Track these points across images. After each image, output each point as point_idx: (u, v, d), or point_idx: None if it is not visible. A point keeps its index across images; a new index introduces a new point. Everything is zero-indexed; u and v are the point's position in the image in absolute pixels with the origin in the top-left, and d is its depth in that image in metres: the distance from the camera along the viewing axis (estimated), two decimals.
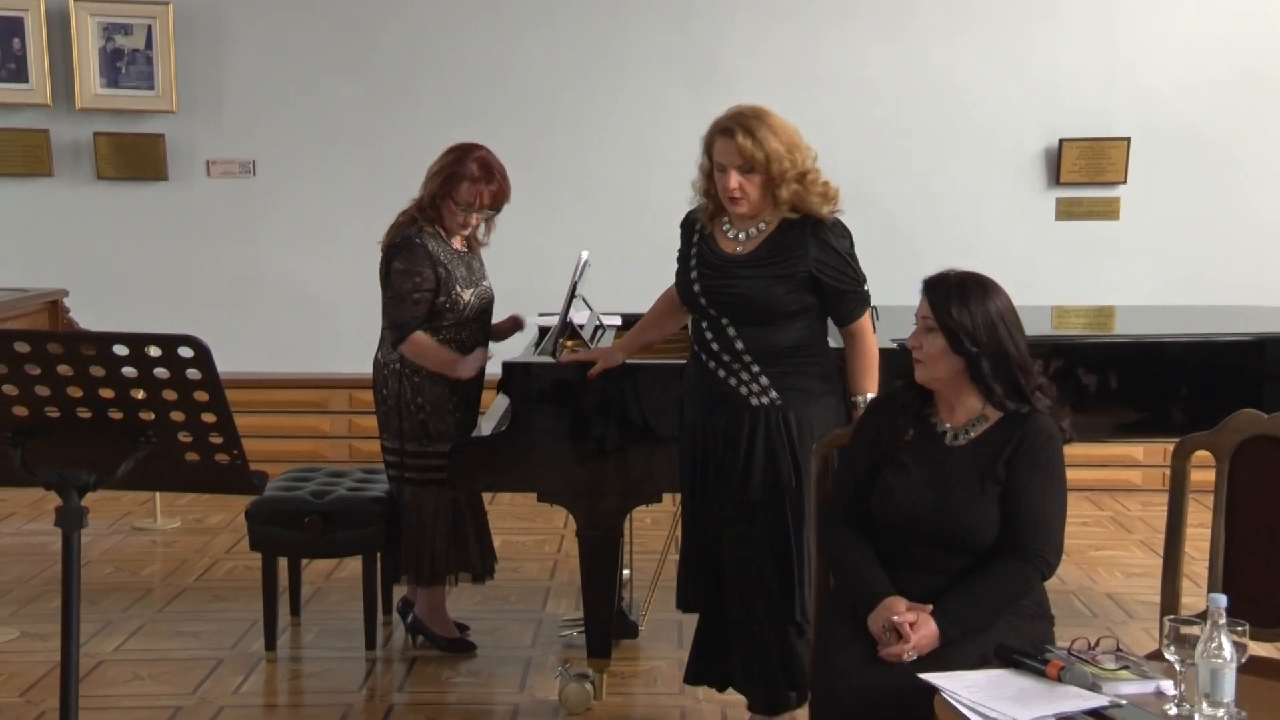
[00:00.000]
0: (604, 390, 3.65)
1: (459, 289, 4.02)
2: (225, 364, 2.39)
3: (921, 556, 2.79)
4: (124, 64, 6.66)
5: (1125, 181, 6.78)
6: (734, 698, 3.59)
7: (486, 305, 4.17)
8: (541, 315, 4.80)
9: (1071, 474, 2.89)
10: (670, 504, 4.66)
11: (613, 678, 3.95)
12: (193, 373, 2.28)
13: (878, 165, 6.75)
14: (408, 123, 6.80)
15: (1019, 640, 2.60)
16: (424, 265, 3.96)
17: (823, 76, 6.75)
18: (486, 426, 3.90)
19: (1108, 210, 6.85)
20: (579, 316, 4.24)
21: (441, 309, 4.01)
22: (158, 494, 5.71)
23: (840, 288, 3.33)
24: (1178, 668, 2.26)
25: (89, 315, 6.17)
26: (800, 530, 3.32)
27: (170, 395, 2.30)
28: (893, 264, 6.52)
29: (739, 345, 3.31)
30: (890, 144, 6.77)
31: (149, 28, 6.63)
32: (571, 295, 4.10)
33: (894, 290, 5.60)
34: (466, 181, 4.01)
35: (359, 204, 6.74)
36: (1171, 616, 2.34)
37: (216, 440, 2.37)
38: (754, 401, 3.31)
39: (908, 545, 2.81)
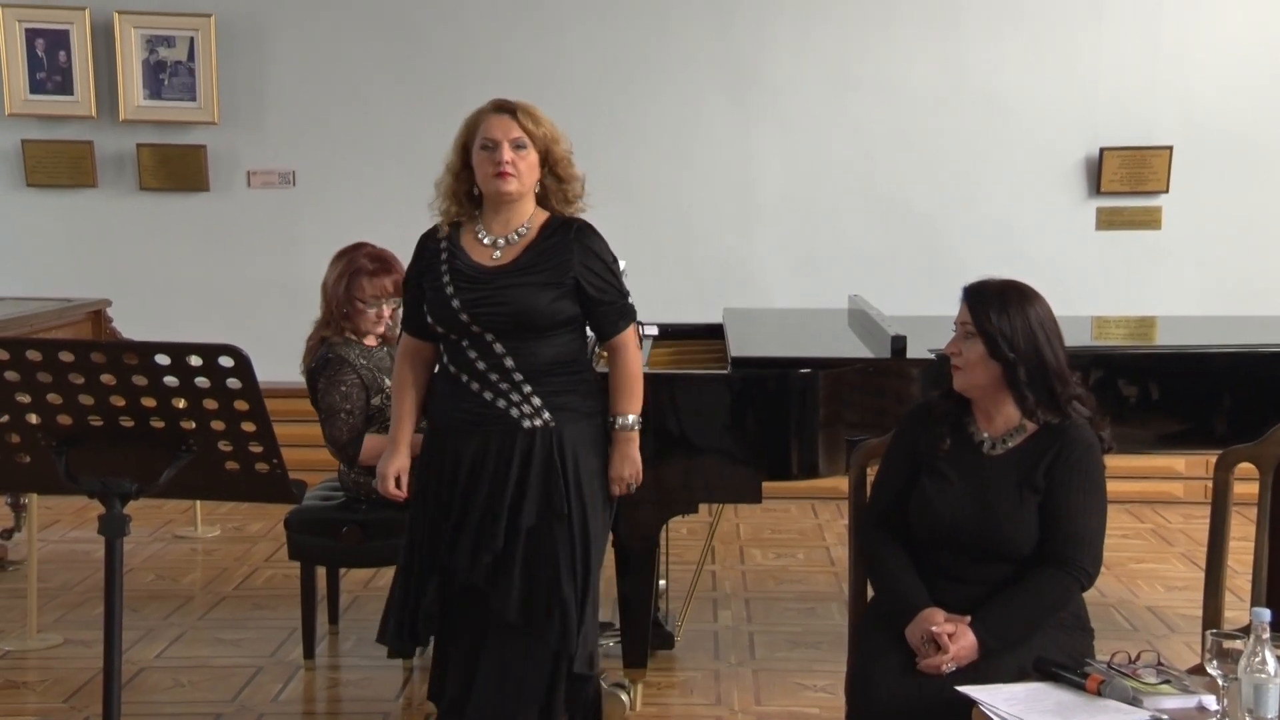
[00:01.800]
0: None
1: (387, 383, 3.99)
2: (265, 373, 2.41)
3: (959, 566, 2.78)
4: (167, 76, 6.74)
5: (1167, 191, 6.71)
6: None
7: None
8: None
9: (1112, 486, 2.86)
10: (706, 514, 4.66)
11: (649, 688, 3.94)
12: (233, 382, 2.31)
13: (917, 171, 6.73)
14: (448, 131, 6.68)
15: (1058, 653, 2.59)
16: (347, 374, 3.96)
17: (863, 81, 6.73)
18: None
19: (1149, 220, 6.78)
20: None
21: (382, 409, 3.99)
22: (198, 502, 5.75)
23: (603, 298, 3.14)
24: (1220, 683, 2.24)
25: (132, 325, 6.23)
26: (579, 559, 3.09)
27: (211, 404, 2.33)
28: (931, 272, 6.54)
29: (509, 363, 3.08)
30: (930, 150, 6.73)
31: (191, 40, 6.71)
32: None
33: (931, 298, 5.57)
34: (365, 277, 4.04)
35: (399, 212, 6.74)
36: (1214, 630, 2.31)
37: (256, 449, 2.39)
38: (526, 424, 3.09)
39: (945, 555, 2.80)
